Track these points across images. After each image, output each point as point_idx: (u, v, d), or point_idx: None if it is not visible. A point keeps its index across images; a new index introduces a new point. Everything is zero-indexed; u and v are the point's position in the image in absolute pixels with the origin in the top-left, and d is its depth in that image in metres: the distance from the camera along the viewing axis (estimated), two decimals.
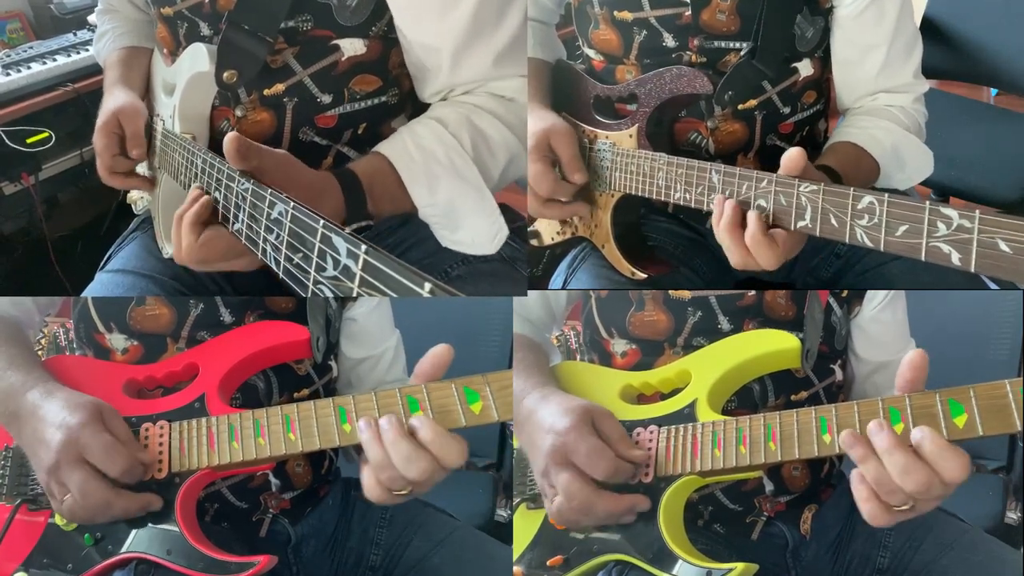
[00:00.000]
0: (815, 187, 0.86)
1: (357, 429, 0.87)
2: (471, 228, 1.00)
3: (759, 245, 0.90)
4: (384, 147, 1.00)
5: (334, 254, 0.65)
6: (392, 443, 0.84)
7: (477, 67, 1.02)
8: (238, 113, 1.05)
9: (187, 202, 0.89)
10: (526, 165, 1.09)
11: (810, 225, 0.87)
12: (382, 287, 0.60)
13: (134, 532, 0.92)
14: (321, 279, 0.66)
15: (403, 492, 0.86)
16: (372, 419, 0.86)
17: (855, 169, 1.08)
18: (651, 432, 0.95)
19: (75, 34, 2.00)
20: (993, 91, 2.42)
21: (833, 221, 0.85)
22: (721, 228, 0.93)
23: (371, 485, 0.86)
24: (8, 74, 1.78)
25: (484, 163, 1.02)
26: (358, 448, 0.89)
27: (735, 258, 0.94)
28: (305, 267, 0.68)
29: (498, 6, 1.00)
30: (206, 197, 0.88)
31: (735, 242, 0.92)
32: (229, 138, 0.83)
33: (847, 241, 0.84)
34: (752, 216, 0.91)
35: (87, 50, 1.90)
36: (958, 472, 0.78)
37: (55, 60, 1.86)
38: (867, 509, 0.82)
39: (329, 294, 0.66)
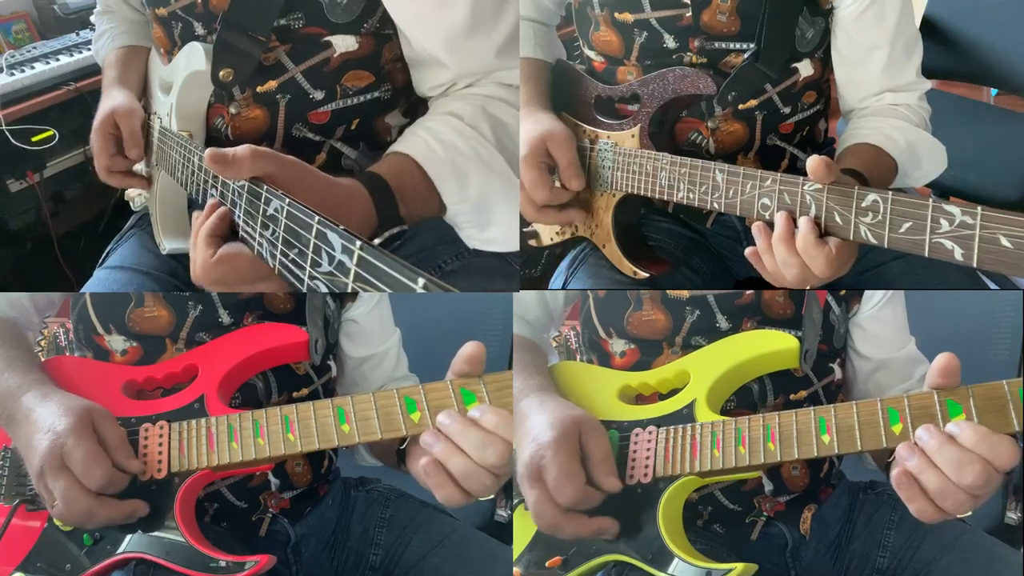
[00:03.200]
0: (819, 185, 0.86)
1: (425, 445, 0.86)
2: (504, 222, 0.97)
3: (811, 248, 0.86)
4: (402, 146, 0.96)
5: (329, 250, 0.65)
6: (460, 434, 0.84)
7: (480, 58, 1.00)
8: (232, 110, 1.05)
9: (203, 214, 0.84)
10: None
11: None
12: (376, 282, 0.60)
13: (133, 533, 0.92)
14: (316, 275, 0.66)
15: (488, 485, 0.85)
16: (436, 430, 0.86)
17: (876, 169, 1.06)
18: (650, 433, 0.95)
19: (78, 34, 2.01)
20: (993, 91, 2.41)
21: (838, 219, 0.85)
22: (776, 242, 0.89)
23: (450, 494, 0.85)
24: (13, 74, 1.80)
25: (508, 151, 0.98)
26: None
27: (793, 272, 0.89)
28: (301, 263, 0.68)
29: None
30: (223, 208, 0.82)
31: (791, 252, 0.88)
32: (211, 155, 0.78)
33: (851, 238, 0.84)
34: (804, 221, 0.87)
35: (90, 50, 1.90)
36: (1008, 457, 0.77)
37: (58, 60, 1.88)
38: (916, 508, 0.81)
39: (324, 290, 0.66)
